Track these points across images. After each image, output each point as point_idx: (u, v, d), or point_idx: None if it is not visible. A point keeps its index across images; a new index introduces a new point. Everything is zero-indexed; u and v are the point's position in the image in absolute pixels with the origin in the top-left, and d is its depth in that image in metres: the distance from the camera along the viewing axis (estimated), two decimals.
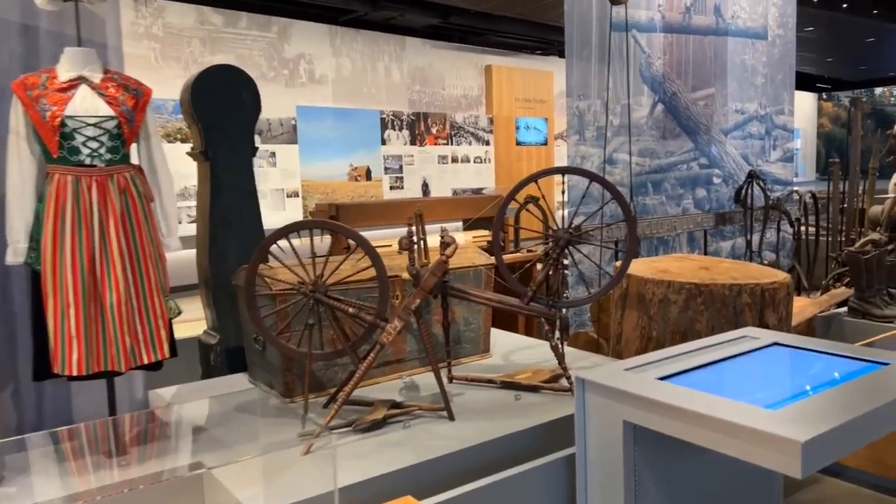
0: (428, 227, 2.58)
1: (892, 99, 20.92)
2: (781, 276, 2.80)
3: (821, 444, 1.35)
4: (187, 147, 2.90)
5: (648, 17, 4.43)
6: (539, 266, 2.62)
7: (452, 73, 10.17)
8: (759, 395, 1.62)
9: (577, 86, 4.06)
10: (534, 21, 9.65)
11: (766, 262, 4.95)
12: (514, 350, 3.02)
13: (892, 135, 7.09)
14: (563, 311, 4.55)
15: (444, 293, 2.42)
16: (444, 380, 2.53)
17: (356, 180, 8.80)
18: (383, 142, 9.07)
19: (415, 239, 2.24)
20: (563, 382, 2.42)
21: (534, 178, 2.46)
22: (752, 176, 4.73)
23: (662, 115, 4.58)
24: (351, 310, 2.04)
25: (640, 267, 2.99)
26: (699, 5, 4.73)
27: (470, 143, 10.24)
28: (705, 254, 4.88)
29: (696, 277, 2.73)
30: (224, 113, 2.79)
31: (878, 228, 5.04)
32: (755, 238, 4.86)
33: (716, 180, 5.02)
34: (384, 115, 9.05)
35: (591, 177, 2.47)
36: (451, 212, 3.66)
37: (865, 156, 5.79)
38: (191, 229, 3.00)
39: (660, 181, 4.61)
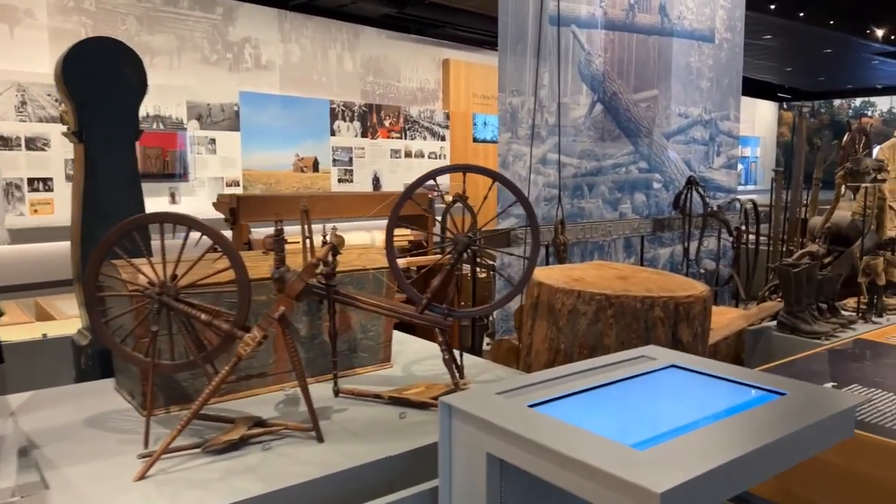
0: (343, 225, 2.36)
1: (850, 111, 21.32)
2: (700, 289, 2.65)
3: (685, 494, 1.17)
4: None
5: (589, 12, 4.26)
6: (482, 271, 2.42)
7: (409, 66, 9.94)
8: (634, 429, 1.44)
9: (510, 81, 3.87)
10: (492, 16, 9.46)
11: (703, 270, 4.85)
12: (419, 359, 2.82)
13: (839, 144, 7.07)
14: (490, 316, 4.38)
15: (330, 299, 2.21)
16: (330, 394, 2.32)
17: (302, 171, 8.52)
18: (332, 132, 8.81)
19: (289, 238, 2.02)
20: None
21: (431, 176, 2.27)
22: (692, 182, 4.61)
23: (601, 115, 4.42)
24: (204, 316, 1.81)
25: (555, 274, 2.82)
26: (643, 3, 4.57)
27: (425, 138, 10.03)
28: (642, 261, 4.75)
29: (609, 288, 2.56)
30: (102, 90, 2.53)
31: (816, 240, 4.97)
32: (693, 246, 4.74)
33: (656, 185, 4.88)
34: (334, 105, 8.79)
35: (495, 177, 2.28)
36: (366, 208, 3.42)
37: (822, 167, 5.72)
38: None
39: (596, 184, 4.46)
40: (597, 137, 4.41)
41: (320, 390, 2.38)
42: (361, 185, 9.11)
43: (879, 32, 11.17)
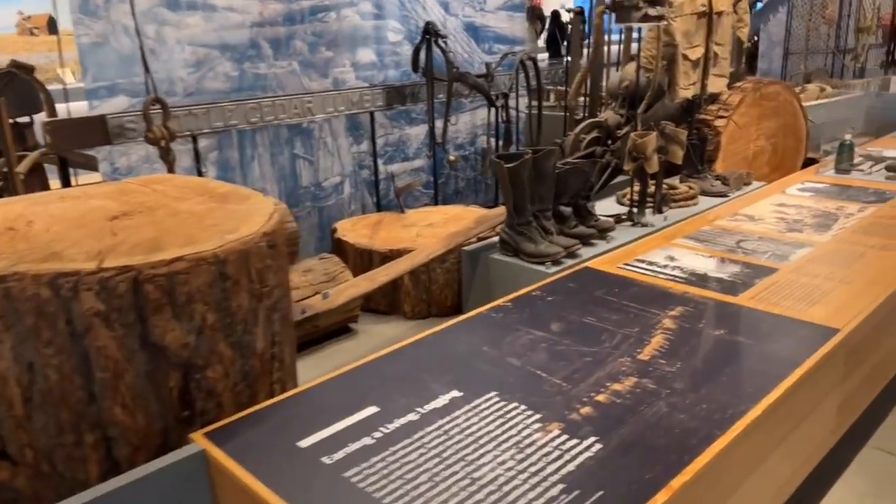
0: None
1: None
2: (246, 232, 1.43)
3: None
4: None
5: None
6: None
7: None
8: None
9: None
10: None
11: (451, 158, 3.67)
12: None
13: None
14: None
15: None
16: None
17: (32, 34, 6.60)
18: None
19: None
20: None
21: None
22: (430, 32, 3.29)
23: None
24: None
25: None
26: None
27: None
28: (374, 148, 3.49)
29: (22, 253, 1.30)
30: None
31: (612, 104, 3.84)
32: (442, 123, 3.50)
33: (392, 38, 3.53)
34: None
35: None
36: None
37: None
38: None
39: (288, 38, 3.08)
40: None
41: None
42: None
43: None
